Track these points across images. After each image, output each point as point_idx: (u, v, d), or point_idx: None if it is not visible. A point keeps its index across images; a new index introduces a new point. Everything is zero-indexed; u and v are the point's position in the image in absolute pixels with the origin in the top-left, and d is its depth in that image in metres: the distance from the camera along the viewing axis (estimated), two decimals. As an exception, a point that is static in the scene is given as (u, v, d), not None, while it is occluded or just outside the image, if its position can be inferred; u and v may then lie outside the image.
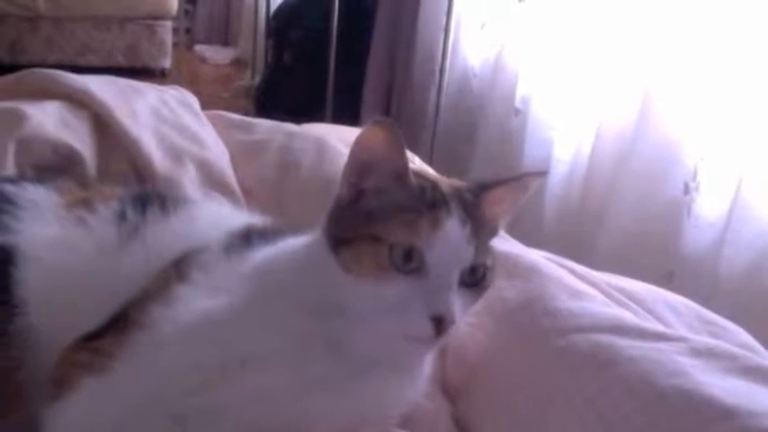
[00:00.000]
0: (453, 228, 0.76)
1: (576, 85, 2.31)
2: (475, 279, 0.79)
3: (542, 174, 0.82)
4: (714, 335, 1.01)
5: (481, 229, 0.79)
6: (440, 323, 0.74)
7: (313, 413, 0.79)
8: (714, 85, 1.84)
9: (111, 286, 0.88)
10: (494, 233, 0.84)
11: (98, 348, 0.82)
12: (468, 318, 0.82)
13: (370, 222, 0.77)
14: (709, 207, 1.86)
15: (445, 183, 0.85)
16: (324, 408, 0.80)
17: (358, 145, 0.79)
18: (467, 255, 0.77)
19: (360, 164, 0.80)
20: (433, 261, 0.75)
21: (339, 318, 0.79)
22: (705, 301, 1.12)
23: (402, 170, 0.79)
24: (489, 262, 0.80)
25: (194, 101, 1.51)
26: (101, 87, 1.36)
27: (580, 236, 2.25)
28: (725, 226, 1.81)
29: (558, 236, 2.34)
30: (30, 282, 0.88)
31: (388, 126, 0.77)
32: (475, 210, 0.80)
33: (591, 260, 1.95)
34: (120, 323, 0.83)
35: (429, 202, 0.78)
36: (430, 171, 1.16)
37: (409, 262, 0.75)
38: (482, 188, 0.83)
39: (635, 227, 2.05)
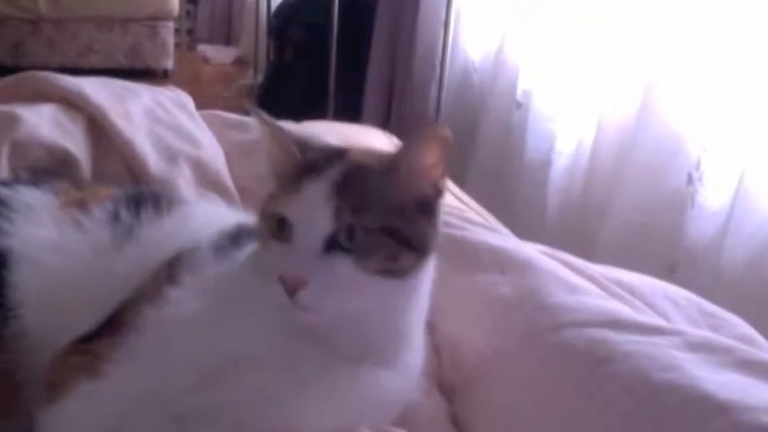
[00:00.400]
0: (312, 190, 0.77)
1: (578, 78, 2.29)
2: (354, 243, 0.76)
3: (433, 123, 0.81)
4: (714, 327, 1.00)
5: (371, 192, 0.78)
6: (286, 284, 0.74)
7: (306, 410, 0.79)
8: (716, 76, 1.83)
9: (106, 287, 0.88)
10: (424, 197, 0.81)
11: (91, 351, 0.82)
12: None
13: (266, 203, 0.82)
14: (712, 198, 1.85)
15: (360, 152, 0.85)
16: (316, 404, 0.80)
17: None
18: (323, 215, 0.75)
19: (266, 152, 0.86)
20: (293, 224, 0.77)
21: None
22: (708, 292, 1.11)
23: (286, 146, 0.83)
24: (375, 223, 0.77)
25: (189, 101, 1.51)
26: (95, 89, 1.36)
27: (582, 228, 2.24)
28: (728, 217, 1.80)
29: (560, 228, 2.33)
30: (24, 284, 0.89)
31: (257, 114, 0.84)
32: (371, 174, 0.79)
33: (593, 252, 1.94)
34: (114, 325, 0.83)
35: (305, 170, 0.79)
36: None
37: (282, 230, 0.78)
38: (390, 155, 0.83)
39: (638, 218, 2.04)
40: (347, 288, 0.77)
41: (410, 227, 0.79)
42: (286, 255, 0.76)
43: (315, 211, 0.76)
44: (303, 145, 0.83)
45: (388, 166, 0.80)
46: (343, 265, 0.76)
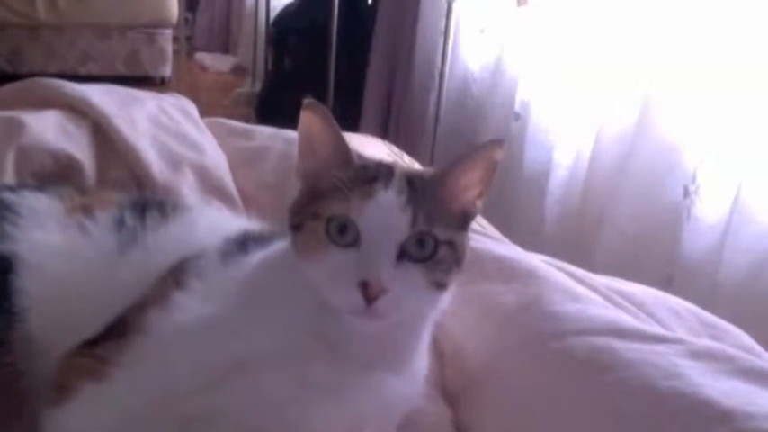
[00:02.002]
0: (387, 198, 0.77)
1: (576, 90, 2.31)
2: (424, 252, 0.77)
3: (498, 141, 0.81)
4: (715, 338, 1.00)
5: (431, 202, 0.78)
6: (366, 289, 0.74)
7: (313, 415, 0.80)
8: (713, 89, 1.84)
9: (111, 292, 0.88)
10: (463, 216, 0.83)
11: (98, 354, 0.82)
12: (445, 300, 0.83)
13: (313, 203, 0.80)
14: (708, 211, 1.86)
15: (403, 166, 0.86)
16: (324, 409, 0.80)
17: (299, 132, 0.82)
18: (401, 222, 0.76)
19: (303, 150, 0.83)
20: (365, 231, 0.76)
21: (328, 314, 0.79)
22: (705, 305, 1.12)
23: (340, 148, 0.81)
24: (443, 235, 0.78)
25: (193, 108, 1.51)
26: (100, 96, 1.36)
27: (580, 239, 2.25)
28: (724, 229, 1.81)
29: (558, 239, 2.34)
30: (30, 289, 0.89)
31: (316, 108, 0.80)
32: (428, 185, 0.80)
33: (591, 264, 1.94)
34: (120, 329, 0.84)
35: (368, 177, 0.79)
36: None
37: (345, 235, 0.76)
38: (443, 167, 0.83)
39: (635, 230, 2.05)
40: (415, 297, 0.78)
41: (461, 241, 0.81)
42: (362, 260, 0.75)
43: (392, 219, 0.76)
44: (354, 151, 0.83)
45: (441, 179, 0.82)
46: (416, 275, 0.77)
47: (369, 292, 0.74)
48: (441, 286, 0.80)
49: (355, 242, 0.76)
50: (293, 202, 0.84)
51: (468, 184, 0.83)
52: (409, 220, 0.76)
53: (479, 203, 0.84)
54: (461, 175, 0.82)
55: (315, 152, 0.82)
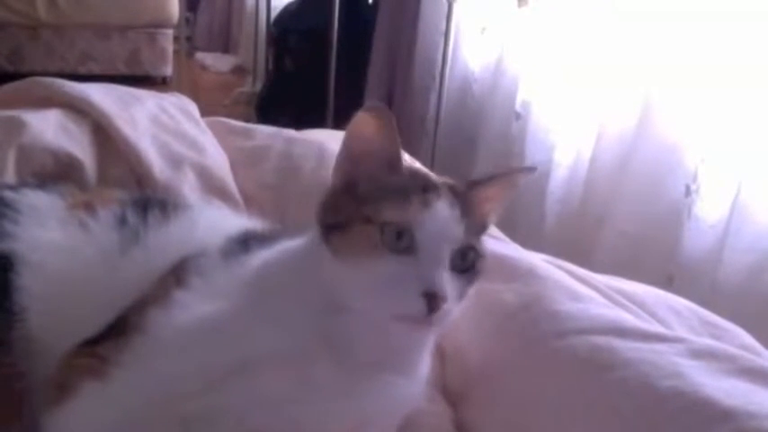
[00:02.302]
0: (443, 208, 0.77)
1: (577, 89, 2.31)
2: (465, 264, 0.79)
3: (531, 169, 0.83)
4: (716, 337, 1.00)
5: (471, 217, 0.80)
6: (432, 300, 0.74)
7: (315, 416, 0.79)
8: (714, 88, 1.84)
9: (112, 291, 0.88)
10: (484, 228, 0.86)
11: (99, 353, 0.82)
12: (461, 307, 0.82)
13: (362, 206, 0.78)
14: (709, 209, 1.86)
15: (435, 176, 0.87)
16: (326, 410, 0.80)
17: (351, 133, 0.81)
18: (457, 234, 0.77)
19: (354, 152, 0.81)
20: (423, 240, 0.76)
21: (337, 316, 0.79)
22: (705, 305, 1.12)
23: (395, 156, 0.81)
24: (480, 248, 0.81)
25: (194, 107, 1.51)
26: (100, 95, 1.36)
27: (581, 239, 2.25)
28: (725, 228, 1.81)
29: (558, 239, 2.34)
30: (30, 288, 0.88)
31: (379, 113, 0.78)
32: (464, 199, 0.81)
33: (591, 263, 1.94)
34: (121, 328, 0.83)
35: (420, 185, 0.79)
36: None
37: (400, 241, 0.76)
38: (472, 184, 0.85)
39: (635, 230, 2.05)
40: (457, 307, 0.79)
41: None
42: (424, 270, 0.75)
43: (449, 229, 0.77)
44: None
45: (476, 193, 0.84)
46: (459, 285, 0.78)
47: (434, 303, 0.74)
48: (464, 296, 0.81)
49: (410, 250, 0.76)
50: (329, 200, 0.83)
51: (494, 201, 0.86)
52: (463, 232, 0.78)
53: (494, 218, 0.88)
54: (493, 191, 0.85)
55: (369, 158, 0.80)
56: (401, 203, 0.77)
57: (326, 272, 0.79)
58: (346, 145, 0.82)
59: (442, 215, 0.77)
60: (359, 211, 0.78)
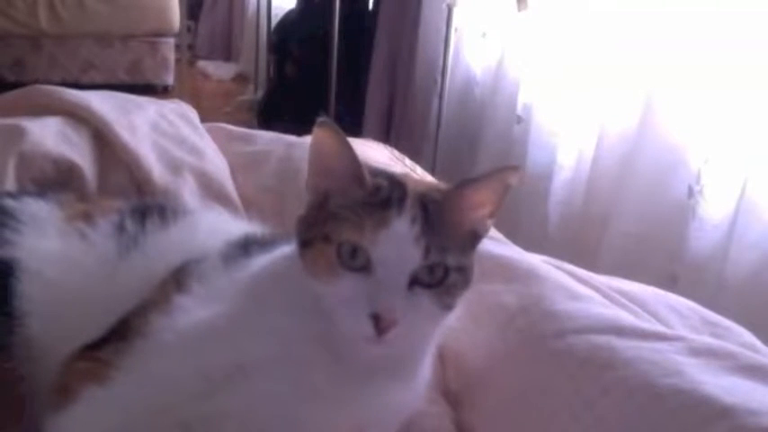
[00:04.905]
0: (401, 226, 0.75)
1: (578, 91, 2.31)
2: (433, 279, 0.77)
3: (514, 167, 0.80)
4: (717, 336, 1.00)
5: (443, 229, 0.78)
6: (379, 321, 0.73)
7: (314, 419, 0.79)
8: (717, 88, 1.84)
9: (112, 297, 0.88)
10: (473, 237, 0.83)
11: (100, 358, 0.82)
12: (454, 317, 0.82)
13: (325, 223, 0.78)
14: (713, 210, 1.85)
15: (415, 182, 0.85)
16: (325, 415, 0.80)
17: (312, 149, 0.81)
18: (415, 253, 0.75)
19: (318, 168, 0.81)
20: (378, 259, 0.75)
21: (327, 323, 0.78)
22: (710, 304, 1.11)
23: (353, 169, 0.79)
24: (453, 261, 0.78)
25: (193, 114, 1.52)
26: (100, 102, 1.37)
27: (584, 240, 2.24)
28: (729, 229, 1.80)
29: (561, 240, 2.33)
30: (30, 294, 0.89)
31: (329, 126, 0.78)
32: (440, 209, 0.79)
33: (595, 264, 1.95)
34: (122, 332, 0.84)
35: (381, 201, 0.77)
36: (428, 178, 1.16)
37: (355, 260, 0.75)
38: (455, 188, 0.82)
39: (639, 230, 2.05)
40: (424, 323, 0.79)
41: (470, 263, 0.81)
42: (373, 290, 0.74)
43: (406, 249, 0.75)
44: (367, 169, 0.81)
45: (454, 199, 0.81)
46: (427, 303, 0.77)
47: (381, 325, 0.73)
48: (448, 308, 0.80)
49: (366, 267, 0.75)
50: (302, 215, 0.82)
51: (480, 206, 0.82)
52: (422, 252, 0.76)
53: (490, 223, 0.84)
54: (474, 195, 0.81)
55: (327, 171, 0.80)
56: (357, 222, 0.76)
57: (306, 287, 0.79)
58: (310, 161, 0.82)
59: (398, 235, 0.75)
60: (321, 230, 0.78)
